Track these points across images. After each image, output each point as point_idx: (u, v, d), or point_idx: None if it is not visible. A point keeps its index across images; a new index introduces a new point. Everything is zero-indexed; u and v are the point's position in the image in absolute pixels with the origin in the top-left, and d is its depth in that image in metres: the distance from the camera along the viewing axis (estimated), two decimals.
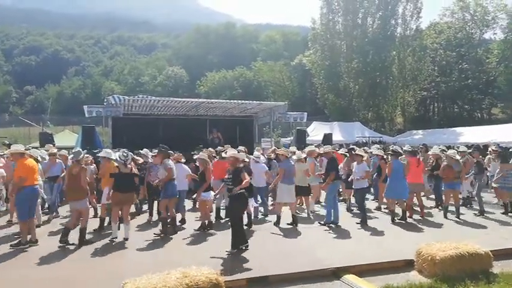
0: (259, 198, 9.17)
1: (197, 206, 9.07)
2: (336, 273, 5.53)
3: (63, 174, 9.11)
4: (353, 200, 9.85)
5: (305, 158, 9.52)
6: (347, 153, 10.33)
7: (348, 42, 35.84)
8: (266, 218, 9.11)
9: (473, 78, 36.36)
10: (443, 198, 9.57)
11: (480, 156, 10.72)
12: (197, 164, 9.18)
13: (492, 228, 8.07)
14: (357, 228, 8.13)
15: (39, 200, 8.06)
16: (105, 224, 8.20)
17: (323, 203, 10.44)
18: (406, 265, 5.82)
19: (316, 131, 25.55)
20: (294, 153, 9.64)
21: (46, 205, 9.75)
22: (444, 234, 7.31)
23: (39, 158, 8.62)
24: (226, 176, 6.68)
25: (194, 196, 8.73)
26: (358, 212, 9.11)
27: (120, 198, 7.31)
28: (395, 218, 8.72)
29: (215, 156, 10.33)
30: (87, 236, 7.26)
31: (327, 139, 18.98)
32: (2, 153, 11.75)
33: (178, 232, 7.85)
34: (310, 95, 46.29)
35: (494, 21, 36.78)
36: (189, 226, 8.43)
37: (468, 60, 36.87)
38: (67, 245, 6.85)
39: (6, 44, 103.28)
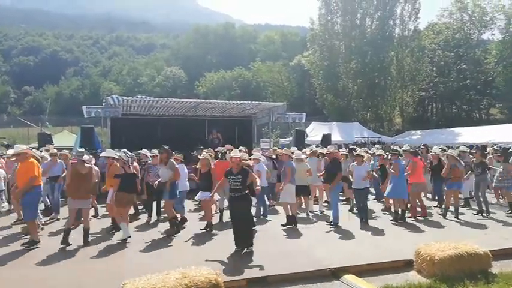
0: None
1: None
2: (335, 274, 5.53)
3: (63, 174, 9.08)
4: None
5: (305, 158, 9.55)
6: (347, 154, 10.35)
7: (346, 42, 35.89)
8: (266, 218, 9.09)
9: (471, 79, 36.45)
10: (446, 198, 9.51)
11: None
12: (197, 164, 9.16)
13: (492, 228, 8.08)
14: (357, 228, 8.12)
15: None
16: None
17: (323, 203, 10.46)
18: (406, 265, 5.83)
19: (315, 132, 25.58)
20: (292, 153, 9.64)
21: (43, 206, 9.72)
22: (444, 234, 7.31)
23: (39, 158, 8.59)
24: (233, 176, 6.61)
25: (196, 197, 8.66)
26: (359, 212, 9.07)
27: (128, 199, 7.40)
28: (394, 218, 8.73)
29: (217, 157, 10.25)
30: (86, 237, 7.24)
31: (326, 139, 18.98)
32: (2, 154, 11.72)
33: (179, 232, 7.82)
34: (308, 95, 46.34)
35: (492, 21, 36.89)
36: (190, 226, 8.41)
37: (466, 61, 36.96)
38: (67, 245, 6.84)
39: (5, 44, 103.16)
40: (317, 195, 10.57)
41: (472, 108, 39.75)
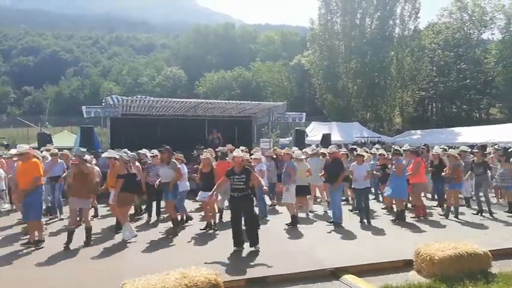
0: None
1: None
2: (335, 274, 5.53)
3: (64, 174, 9.04)
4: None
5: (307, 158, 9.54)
6: (348, 153, 10.36)
7: (346, 42, 35.90)
8: (266, 218, 9.09)
9: (471, 79, 36.45)
10: (447, 198, 9.48)
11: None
12: (200, 164, 9.14)
13: (493, 228, 8.07)
14: (358, 228, 8.12)
15: None
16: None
17: (322, 202, 10.45)
18: (405, 265, 5.82)
19: (314, 131, 25.59)
20: (293, 152, 9.64)
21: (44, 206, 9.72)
22: (445, 234, 7.32)
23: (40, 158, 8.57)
24: (236, 176, 6.61)
25: (197, 197, 8.63)
26: (360, 212, 9.05)
27: (130, 199, 7.44)
28: (397, 218, 8.73)
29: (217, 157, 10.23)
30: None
31: (326, 139, 18.97)
32: (1, 154, 11.71)
33: (179, 232, 7.83)
34: (308, 95, 46.35)
35: (492, 21, 36.88)
36: (190, 226, 8.42)
37: (466, 61, 36.95)
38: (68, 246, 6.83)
39: (5, 44, 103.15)
40: (318, 195, 10.57)
41: (471, 108, 39.75)
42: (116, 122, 16.35)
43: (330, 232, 7.85)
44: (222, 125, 18.54)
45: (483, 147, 12.65)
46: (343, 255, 6.14)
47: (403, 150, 10.05)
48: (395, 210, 9.28)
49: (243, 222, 6.72)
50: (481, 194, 9.88)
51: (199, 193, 8.31)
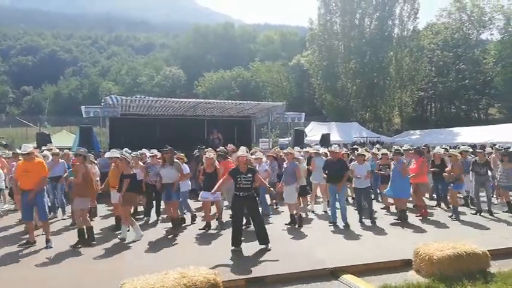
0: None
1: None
2: (334, 273, 5.53)
3: (65, 174, 8.97)
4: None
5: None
6: (348, 153, 10.38)
7: (345, 42, 35.95)
8: (269, 218, 9.06)
9: (470, 79, 36.51)
10: (450, 199, 9.44)
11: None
12: (200, 164, 9.15)
13: (494, 228, 8.07)
14: (359, 228, 8.11)
15: None
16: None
17: (322, 202, 10.45)
18: (404, 265, 5.82)
19: (314, 131, 25.62)
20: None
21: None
22: (446, 234, 7.33)
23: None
24: (243, 176, 6.59)
25: (199, 197, 8.61)
26: (359, 211, 9.04)
27: (135, 199, 7.53)
28: (399, 218, 8.74)
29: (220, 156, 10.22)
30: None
31: (325, 139, 19.00)
32: (2, 153, 11.68)
33: (179, 232, 7.83)
34: (308, 95, 46.38)
35: (491, 22, 36.95)
36: (190, 226, 8.42)
37: (465, 61, 37.02)
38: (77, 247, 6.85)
39: (3, 44, 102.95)
40: (318, 194, 10.56)
41: (470, 108, 39.83)
42: (115, 121, 16.37)
43: (331, 232, 7.84)
44: (221, 125, 18.56)
45: (482, 147, 12.66)
46: (344, 256, 6.13)
47: (404, 150, 10.07)
48: (393, 210, 9.27)
49: (243, 222, 6.72)
50: (482, 194, 9.89)
51: (201, 193, 8.27)
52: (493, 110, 39.87)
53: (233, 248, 6.53)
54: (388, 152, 10.32)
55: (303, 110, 25.59)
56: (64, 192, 9.49)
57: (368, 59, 34.57)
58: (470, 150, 11.24)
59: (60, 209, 9.49)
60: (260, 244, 6.58)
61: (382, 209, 10.19)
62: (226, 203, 9.45)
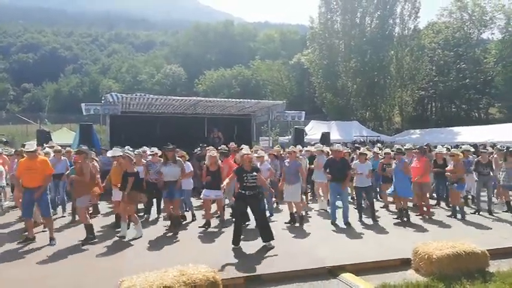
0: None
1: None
2: (332, 272, 5.53)
3: (67, 171, 8.88)
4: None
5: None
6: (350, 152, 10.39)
7: (346, 41, 35.90)
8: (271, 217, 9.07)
9: (471, 78, 36.49)
10: (454, 199, 9.35)
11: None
12: (201, 162, 9.14)
13: (494, 228, 8.07)
14: (361, 227, 8.11)
15: None
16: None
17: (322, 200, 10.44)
18: (403, 264, 5.82)
19: (314, 130, 25.63)
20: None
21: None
22: (448, 234, 7.35)
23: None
24: (249, 174, 6.60)
25: (202, 196, 8.59)
26: (359, 210, 9.04)
27: (139, 197, 7.57)
28: (401, 217, 8.75)
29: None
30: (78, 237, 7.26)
31: (325, 138, 19.00)
32: (4, 151, 11.67)
33: (180, 230, 7.83)
34: (308, 94, 46.36)
35: (492, 21, 36.93)
36: (190, 225, 8.43)
37: (466, 60, 36.99)
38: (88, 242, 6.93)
39: (4, 41, 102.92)
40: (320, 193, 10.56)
41: (471, 107, 39.81)
42: (116, 119, 16.35)
43: (331, 231, 7.84)
44: (222, 123, 18.54)
45: (485, 147, 12.64)
46: (345, 255, 6.12)
47: (405, 149, 10.07)
48: (393, 209, 9.27)
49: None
50: (482, 193, 9.89)
51: (204, 191, 8.26)
52: (493, 109, 39.87)
53: (234, 246, 6.54)
54: (391, 152, 10.33)
55: (303, 108, 25.56)
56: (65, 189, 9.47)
57: (369, 57, 34.54)
58: (472, 150, 11.24)
59: (60, 206, 9.47)
60: (264, 242, 6.57)
61: (381, 208, 10.20)
62: (227, 201, 9.44)
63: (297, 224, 8.22)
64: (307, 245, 6.81)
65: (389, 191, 9.19)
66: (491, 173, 9.93)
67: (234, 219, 6.77)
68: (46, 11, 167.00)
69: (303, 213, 8.96)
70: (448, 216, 9.07)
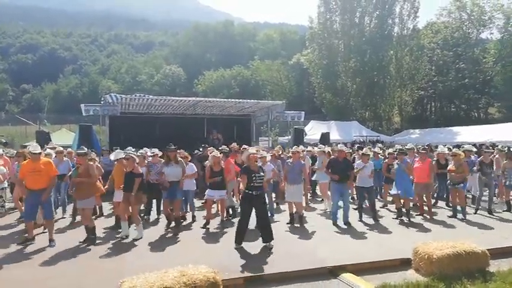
0: None
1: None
2: (333, 272, 5.53)
3: (70, 172, 8.77)
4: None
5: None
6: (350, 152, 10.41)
7: (345, 41, 35.92)
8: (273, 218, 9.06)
9: (470, 78, 36.52)
10: (459, 199, 9.29)
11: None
12: (206, 163, 9.12)
13: (496, 227, 8.08)
14: (362, 227, 8.11)
15: None
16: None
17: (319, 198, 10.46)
18: (404, 264, 5.82)
19: (313, 130, 25.63)
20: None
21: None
22: (449, 233, 7.35)
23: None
24: (257, 174, 6.59)
25: (207, 196, 8.56)
26: (368, 210, 9.04)
27: (144, 198, 7.59)
28: (402, 218, 8.75)
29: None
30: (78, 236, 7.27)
31: (325, 138, 19.02)
32: (7, 152, 11.64)
33: (180, 231, 7.84)
34: (307, 94, 46.34)
35: (491, 21, 36.96)
36: (192, 225, 8.44)
37: (465, 60, 37.02)
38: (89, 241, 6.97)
39: (3, 42, 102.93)
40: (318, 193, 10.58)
41: (470, 107, 39.85)
42: (115, 120, 16.34)
43: (333, 231, 7.83)
44: (221, 124, 18.55)
45: (486, 146, 12.63)
46: (346, 255, 6.11)
47: (407, 149, 10.07)
48: (393, 209, 9.26)
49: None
50: (485, 193, 9.90)
51: (207, 191, 8.26)
52: (492, 109, 39.90)
53: (237, 245, 6.54)
54: (393, 152, 10.34)
55: (302, 108, 25.57)
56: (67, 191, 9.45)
57: (368, 57, 34.56)
58: (475, 149, 11.24)
59: (61, 207, 9.44)
60: (264, 242, 6.58)
61: (381, 207, 10.21)
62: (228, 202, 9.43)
63: (298, 225, 8.22)
64: (308, 245, 6.81)
65: (393, 192, 9.19)
66: (493, 173, 9.94)
67: (239, 218, 6.74)
68: (46, 11, 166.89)
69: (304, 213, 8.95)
70: (449, 216, 9.06)
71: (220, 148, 10.08)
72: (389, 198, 9.90)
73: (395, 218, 8.81)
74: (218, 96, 46.24)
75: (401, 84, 35.77)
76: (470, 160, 10.09)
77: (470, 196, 10.81)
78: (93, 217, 7.70)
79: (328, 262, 5.76)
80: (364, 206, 9.16)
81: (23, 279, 5.33)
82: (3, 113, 58.04)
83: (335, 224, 8.27)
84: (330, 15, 36.26)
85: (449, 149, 11.14)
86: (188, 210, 9.00)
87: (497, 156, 10.59)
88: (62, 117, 39.15)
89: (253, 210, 6.71)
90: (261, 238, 6.70)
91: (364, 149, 10.21)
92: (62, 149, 9.94)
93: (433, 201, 10.77)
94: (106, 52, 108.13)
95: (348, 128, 27.32)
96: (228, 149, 10.05)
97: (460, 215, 8.92)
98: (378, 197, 11.24)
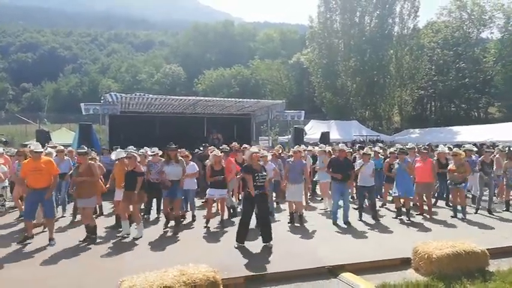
0: None
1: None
2: (332, 271, 5.54)
3: (71, 171, 8.73)
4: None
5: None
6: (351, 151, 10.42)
7: (345, 40, 35.91)
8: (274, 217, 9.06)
9: (470, 77, 36.50)
10: (460, 199, 9.24)
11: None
12: (207, 162, 9.12)
13: (497, 227, 8.08)
14: (363, 226, 8.11)
15: None
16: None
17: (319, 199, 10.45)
18: (403, 263, 5.83)
19: (313, 130, 25.62)
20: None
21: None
22: (450, 233, 7.36)
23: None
24: (260, 174, 6.61)
25: (208, 196, 8.54)
26: (368, 210, 9.03)
27: (145, 197, 7.60)
28: (401, 217, 8.75)
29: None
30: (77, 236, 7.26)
31: (325, 137, 19.01)
32: (8, 151, 11.63)
33: (181, 230, 7.83)
34: (307, 93, 46.33)
35: (491, 20, 36.95)
36: (192, 224, 8.44)
37: (465, 59, 37.00)
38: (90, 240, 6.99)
39: (3, 41, 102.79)
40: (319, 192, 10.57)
41: (470, 106, 39.83)
42: (115, 119, 16.34)
43: (334, 231, 7.83)
44: (221, 123, 18.55)
45: (480, 146, 12.64)
46: (346, 254, 6.12)
47: (408, 148, 10.08)
48: (393, 208, 9.25)
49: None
50: (485, 193, 9.90)
51: (208, 190, 8.26)
52: (492, 108, 39.87)
53: (238, 244, 6.54)
54: (394, 151, 10.34)
55: (302, 108, 25.53)
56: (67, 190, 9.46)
57: (368, 57, 34.55)
58: (475, 149, 11.23)
59: (61, 206, 9.43)
60: (263, 242, 6.59)
61: (380, 207, 10.21)
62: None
63: (298, 224, 8.22)
64: (308, 245, 6.81)
65: (394, 192, 9.18)
66: (493, 173, 9.94)
67: (241, 217, 6.73)
68: (46, 11, 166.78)
69: (304, 212, 8.95)
70: (452, 216, 9.04)
71: (220, 147, 10.07)
72: (389, 198, 9.89)
73: (395, 218, 8.83)
74: (218, 95, 46.19)
75: (401, 83, 35.76)
76: (471, 160, 10.07)
77: (470, 196, 10.82)
78: (94, 216, 7.67)
79: (328, 261, 5.77)
80: (364, 205, 9.17)
81: (22, 278, 5.32)
82: (3, 112, 58.08)
83: (335, 223, 8.26)
84: (330, 14, 36.26)
85: (449, 148, 11.13)
86: (188, 209, 9.01)
87: (497, 156, 10.59)
88: (61, 116, 39.17)
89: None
90: (257, 236, 6.70)
91: (365, 148, 10.21)
92: (62, 148, 9.92)
93: (433, 200, 10.83)
94: (106, 51, 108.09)
95: (348, 127, 27.32)
96: (228, 148, 10.05)
97: (460, 215, 8.91)
98: (378, 197, 11.25)
